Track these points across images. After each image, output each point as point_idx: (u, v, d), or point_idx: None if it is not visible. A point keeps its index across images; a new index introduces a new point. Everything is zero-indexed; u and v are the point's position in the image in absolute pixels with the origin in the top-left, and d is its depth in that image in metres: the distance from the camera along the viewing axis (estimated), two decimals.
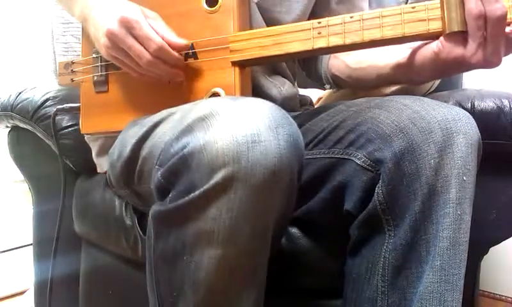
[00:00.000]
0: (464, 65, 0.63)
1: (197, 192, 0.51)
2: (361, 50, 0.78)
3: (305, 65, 0.96)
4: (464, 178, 0.57)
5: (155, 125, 0.66)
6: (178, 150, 0.54)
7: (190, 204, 0.52)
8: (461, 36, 0.61)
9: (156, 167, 0.58)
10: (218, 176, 0.50)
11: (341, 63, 0.86)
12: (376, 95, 0.76)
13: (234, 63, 0.69)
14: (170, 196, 0.55)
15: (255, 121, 0.52)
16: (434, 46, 0.64)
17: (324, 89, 0.93)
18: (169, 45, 0.68)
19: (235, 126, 0.51)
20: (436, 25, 0.62)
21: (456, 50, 0.62)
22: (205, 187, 0.51)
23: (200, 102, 0.60)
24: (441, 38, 0.63)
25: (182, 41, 0.68)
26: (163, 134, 0.62)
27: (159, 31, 0.67)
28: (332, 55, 0.87)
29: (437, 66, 0.66)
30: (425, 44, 0.67)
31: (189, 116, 0.55)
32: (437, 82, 0.93)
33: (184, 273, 0.55)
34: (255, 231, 0.53)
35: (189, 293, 0.55)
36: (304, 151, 0.58)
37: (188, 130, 0.54)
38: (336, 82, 0.89)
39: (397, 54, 0.74)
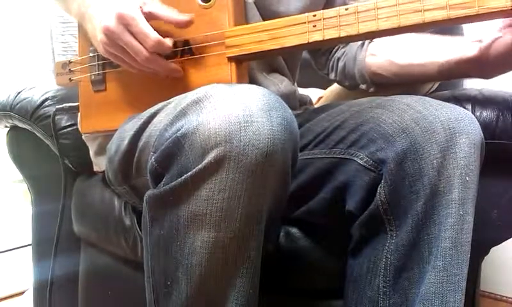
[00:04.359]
0: None
1: (189, 173, 0.52)
2: (411, 46, 0.79)
3: (324, 66, 0.95)
4: (467, 179, 0.57)
5: (152, 116, 0.66)
6: (172, 134, 0.54)
7: (182, 185, 0.53)
8: None
9: (151, 153, 0.59)
10: (210, 156, 0.51)
11: (384, 61, 0.84)
12: (388, 93, 0.75)
13: (230, 59, 0.69)
14: (164, 179, 0.56)
15: (247, 103, 0.52)
16: None
17: (358, 89, 0.90)
18: (174, 22, 0.67)
19: (228, 107, 0.52)
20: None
21: None
22: (197, 167, 0.51)
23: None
24: None
25: (185, 17, 0.67)
26: (159, 123, 0.63)
27: (161, 13, 0.67)
28: (368, 53, 0.86)
29: None
30: (501, 38, 0.67)
31: (184, 101, 0.56)
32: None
33: (178, 259, 0.55)
34: (247, 214, 0.53)
35: (182, 280, 0.55)
36: (299, 137, 0.58)
37: (182, 114, 0.55)
38: (377, 80, 0.86)
39: (462, 50, 0.73)
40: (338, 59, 0.92)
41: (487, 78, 0.76)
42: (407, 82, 0.85)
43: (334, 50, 0.93)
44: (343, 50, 0.91)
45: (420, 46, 0.79)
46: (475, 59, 0.72)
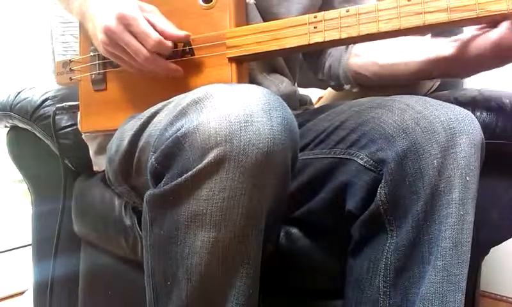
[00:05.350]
0: None
1: (190, 173, 0.52)
2: (391, 46, 0.79)
3: (315, 66, 0.95)
4: (468, 179, 0.57)
5: (152, 116, 0.66)
6: (172, 134, 0.54)
7: (183, 185, 0.53)
8: None
9: (151, 153, 0.59)
10: (210, 156, 0.51)
11: (366, 61, 0.85)
12: (390, 92, 0.76)
13: (231, 59, 0.69)
14: (164, 179, 0.56)
15: (248, 103, 0.52)
16: (495, 35, 0.64)
17: (343, 89, 0.92)
18: (169, 37, 0.68)
19: (228, 107, 0.52)
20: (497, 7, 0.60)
21: None
22: (198, 167, 0.51)
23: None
24: (508, 25, 0.63)
25: (181, 33, 0.69)
26: (159, 122, 0.63)
27: (158, 24, 0.67)
28: (352, 54, 0.87)
29: (498, 53, 0.66)
30: (480, 35, 0.67)
31: (184, 101, 0.56)
32: (438, 81, 0.93)
33: (178, 259, 0.55)
34: (247, 214, 0.53)
35: (182, 280, 0.55)
36: (299, 137, 0.58)
37: (182, 113, 0.55)
38: (360, 81, 0.87)
39: (440, 49, 0.73)
40: (325, 59, 0.92)
41: (463, 77, 0.76)
42: (389, 83, 0.85)
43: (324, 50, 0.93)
44: (329, 50, 0.91)
45: (400, 46, 0.79)
46: (452, 58, 0.72)
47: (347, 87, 0.90)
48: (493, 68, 0.70)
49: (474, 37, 0.68)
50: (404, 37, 0.77)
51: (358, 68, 0.86)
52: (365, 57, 0.85)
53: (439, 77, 0.85)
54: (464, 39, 0.70)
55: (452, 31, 0.77)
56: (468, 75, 0.77)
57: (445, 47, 0.73)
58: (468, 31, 0.70)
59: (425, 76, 0.80)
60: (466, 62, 0.71)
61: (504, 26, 0.64)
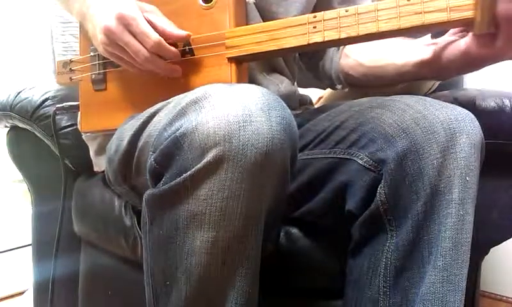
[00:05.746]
0: (496, 60, 0.65)
1: (188, 173, 0.52)
2: (376, 48, 0.79)
3: (312, 66, 0.96)
4: (467, 179, 0.57)
5: (151, 116, 0.66)
6: (171, 133, 0.54)
7: (182, 185, 0.53)
8: (490, 36, 0.62)
9: (150, 153, 0.59)
10: (209, 156, 0.51)
11: (354, 62, 0.86)
12: (390, 92, 0.76)
13: (230, 59, 0.69)
14: (163, 179, 0.56)
15: (246, 102, 0.52)
16: (462, 44, 0.65)
17: (335, 89, 0.93)
18: (170, 37, 0.68)
19: (227, 106, 0.52)
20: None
21: (486, 49, 0.63)
22: (197, 167, 0.51)
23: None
24: (471, 36, 0.64)
25: (182, 33, 0.69)
26: (158, 122, 0.63)
27: (158, 24, 0.68)
28: (343, 54, 0.88)
29: (467, 62, 0.67)
30: (452, 42, 0.68)
31: (183, 101, 0.56)
32: (438, 81, 0.93)
33: (177, 259, 0.55)
34: (247, 214, 0.53)
35: (181, 280, 0.55)
36: (298, 137, 0.58)
37: (181, 113, 0.55)
38: (350, 81, 0.88)
39: (418, 52, 0.74)
40: (321, 59, 0.93)
41: (441, 80, 0.76)
42: (375, 84, 0.86)
43: None
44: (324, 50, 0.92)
45: (384, 48, 0.80)
46: (429, 62, 0.73)
47: (339, 87, 0.91)
48: (469, 72, 0.72)
49: (447, 44, 0.69)
50: (390, 39, 0.78)
51: (348, 68, 0.87)
52: (352, 58, 0.86)
53: (425, 79, 0.86)
54: (440, 44, 0.70)
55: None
56: (446, 78, 0.79)
57: (424, 50, 0.73)
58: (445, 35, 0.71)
59: (411, 78, 0.80)
60: (442, 67, 0.71)
61: (469, 36, 0.65)
